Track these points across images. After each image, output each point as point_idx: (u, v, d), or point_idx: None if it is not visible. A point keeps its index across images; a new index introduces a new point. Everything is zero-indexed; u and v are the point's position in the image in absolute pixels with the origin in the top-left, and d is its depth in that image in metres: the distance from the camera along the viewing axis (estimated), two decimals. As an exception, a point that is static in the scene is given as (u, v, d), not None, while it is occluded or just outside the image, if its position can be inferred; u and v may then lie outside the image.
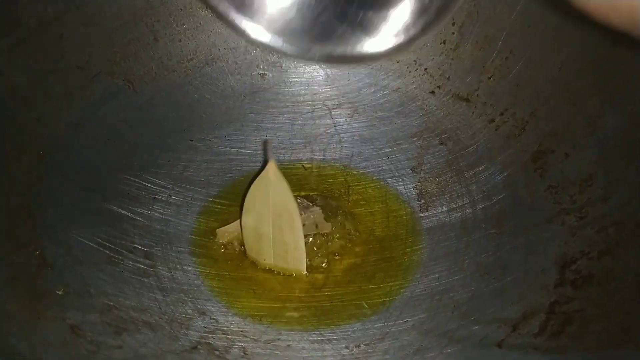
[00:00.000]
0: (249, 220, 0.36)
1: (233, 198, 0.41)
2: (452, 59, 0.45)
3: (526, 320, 0.29)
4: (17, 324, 0.27)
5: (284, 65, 0.48)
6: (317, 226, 0.37)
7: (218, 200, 0.41)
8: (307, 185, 0.43)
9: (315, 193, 0.41)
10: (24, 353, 0.25)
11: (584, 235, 0.31)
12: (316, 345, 0.32)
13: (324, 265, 0.37)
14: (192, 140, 0.44)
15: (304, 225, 0.35)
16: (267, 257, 0.36)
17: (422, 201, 0.41)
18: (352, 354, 0.32)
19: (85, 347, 0.28)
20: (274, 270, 0.37)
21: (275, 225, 0.35)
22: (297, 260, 0.35)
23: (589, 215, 0.32)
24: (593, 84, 0.36)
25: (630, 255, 0.28)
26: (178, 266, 0.37)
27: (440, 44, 0.45)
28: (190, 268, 0.37)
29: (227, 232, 0.38)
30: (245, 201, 0.36)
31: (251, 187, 0.35)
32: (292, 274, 0.36)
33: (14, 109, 0.37)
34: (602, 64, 0.36)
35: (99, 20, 0.42)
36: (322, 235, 0.37)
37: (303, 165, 0.44)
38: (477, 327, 0.30)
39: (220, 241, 0.38)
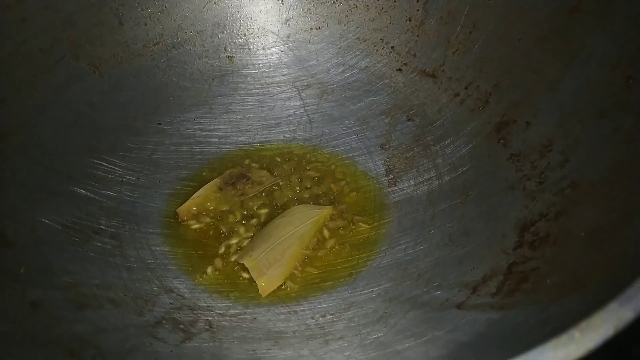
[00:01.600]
0: (280, 221, 0.37)
1: (202, 180, 0.41)
2: (418, 35, 0.45)
3: (485, 282, 0.29)
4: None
5: (251, 47, 0.48)
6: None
7: (187, 182, 0.41)
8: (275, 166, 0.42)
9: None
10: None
11: (543, 199, 0.32)
12: (282, 317, 0.33)
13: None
14: (160, 124, 0.44)
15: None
16: (255, 254, 0.35)
17: (390, 176, 0.41)
18: (317, 323, 0.32)
19: (43, 321, 0.27)
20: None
21: (288, 238, 0.36)
22: (271, 279, 0.34)
23: (548, 180, 0.33)
24: (552, 52, 0.36)
25: (584, 213, 0.28)
26: (145, 246, 0.37)
27: (406, 21, 0.45)
28: (158, 248, 0.37)
29: (187, 209, 0.38)
30: (293, 208, 0.38)
31: (304, 205, 0.38)
32: (254, 282, 0.34)
33: (-25, 91, 0.36)
34: (560, 31, 0.36)
35: (62, 4, 0.42)
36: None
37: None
38: (439, 292, 0.31)
39: (183, 219, 0.38)
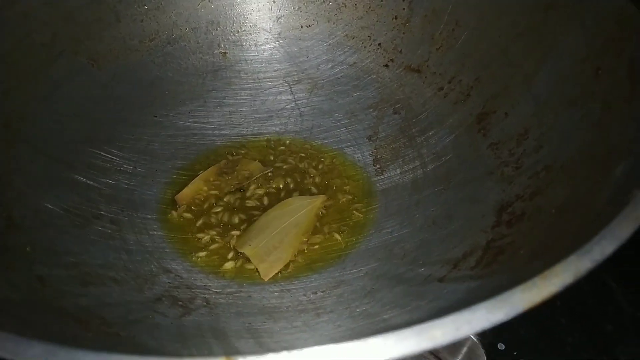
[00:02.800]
0: (276, 213, 0.39)
1: (197, 169, 0.43)
2: (404, 33, 0.47)
3: (465, 258, 0.31)
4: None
5: (244, 44, 0.50)
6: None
7: (182, 172, 0.43)
8: (267, 157, 0.44)
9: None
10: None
11: (519, 182, 0.34)
12: (275, 294, 0.34)
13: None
14: (155, 116, 0.46)
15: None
16: (254, 244, 0.37)
17: (378, 166, 0.43)
18: (309, 299, 0.34)
19: (51, 293, 0.29)
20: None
21: (285, 227, 0.38)
22: (271, 265, 0.36)
23: (524, 165, 0.35)
24: (529, 47, 0.39)
25: (555, 192, 0.30)
26: (144, 231, 0.38)
27: (392, 19, 0.48)
28: (155, 233, 0.39)
29: (184, 196, 0.40)
30: (287, 200, 0.40)
31: (298, 196, 0.40)
32: (255, 268, 0.36)
33: (-20, 82, 0.38)
34: (536, 28, 0.39)
35: (62, 0, 0.44)
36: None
37: (268, 139, 0.46)
38: (422, 269, 0.33)
39: (180, 205, 0.40)
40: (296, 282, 0.36)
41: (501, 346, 0.38)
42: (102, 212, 0.38)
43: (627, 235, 0.19)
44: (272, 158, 0.44)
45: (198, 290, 0.34)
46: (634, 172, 0.24)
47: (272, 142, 0.45)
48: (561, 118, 0.33)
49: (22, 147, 0.38)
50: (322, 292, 0.34)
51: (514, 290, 0.18)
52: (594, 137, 0.30)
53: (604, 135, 0.29)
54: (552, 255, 0.22)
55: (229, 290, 0.35)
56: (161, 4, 0.48)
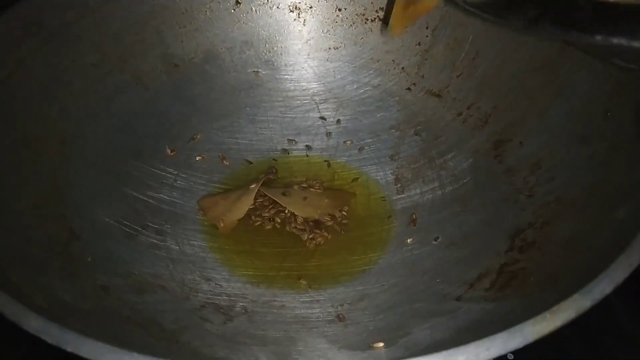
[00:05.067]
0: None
1: (231, 183, 0.47)
2: (426, 59, 0.50)
3: (480, 279, 0.35)
4: (59, 280, 0.32)
5: (275, 63, 0.53)
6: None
7: (218, 185, 0.47)
8: (297, 172, 0.48)
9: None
10: (69, 302, 0.30)
11: (532, 210, 0.37)
12: (306, 304, 0.38)
13: (311, 237, 0.43)
14: (193, 131, 0.49)
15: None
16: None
17: (399, 185, 0.46)
18: (337, 310, 0.37)
19: (114, 302, 0.33)
20: (268, 246, 0.42)
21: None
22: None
23: (536, 194, 0.38)
24: (545, 81, 0.42)
25: (564, 224, 0.34)
26: (185, 241, 0.42)
27: (416, 45, 0.51)
28: (196, 242, 0.42)
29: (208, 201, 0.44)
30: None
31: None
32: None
33: (40, 100, 0.42)
34: (552, 64, 0.42)
35: (111, 23, 0.47)
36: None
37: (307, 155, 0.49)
38: (441, 287, 0.36)
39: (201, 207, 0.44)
40: (324, 293, 0.39)
41: (510, 356, 0.41)
42: (149, 223, 0.42)
43: (622, 278, 0.23)
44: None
45: (236, 299, 0.38)
46: (634, 216, 0.27)
47: (300, 159, 0.49)
48: (572, 153, 0.37)
49: (76, 162, 0.42)
50: (349, 304, 0.38)
51: (526, 322, 0.22)
52: (601, 176, 0.33)
53: (610, 175, 0.32)
54: (561, 288, 0.25)
55: (263, 299, 0.38)
56: (200, 25, 0.51)
